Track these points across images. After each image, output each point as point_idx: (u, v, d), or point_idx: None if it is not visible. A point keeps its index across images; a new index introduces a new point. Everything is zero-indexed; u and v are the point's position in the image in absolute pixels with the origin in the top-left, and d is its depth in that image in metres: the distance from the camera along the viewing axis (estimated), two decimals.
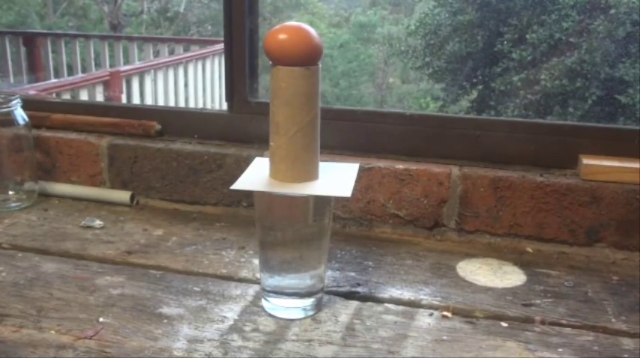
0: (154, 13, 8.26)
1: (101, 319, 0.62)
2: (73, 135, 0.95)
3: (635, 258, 0.79)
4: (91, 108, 0.99)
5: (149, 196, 0.93)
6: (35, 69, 4.58)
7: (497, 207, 0.81)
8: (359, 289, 0.69)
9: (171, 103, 4.08)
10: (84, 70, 4.58)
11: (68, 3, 8.10)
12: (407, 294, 0.68)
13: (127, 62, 4.58)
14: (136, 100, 3.85)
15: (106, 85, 3.62)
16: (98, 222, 0.85)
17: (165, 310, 0.64)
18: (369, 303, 0.67)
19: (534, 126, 0.85)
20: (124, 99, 3.72)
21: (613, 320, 0.64)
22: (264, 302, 0.65)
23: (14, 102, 0.88)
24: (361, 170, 0.80)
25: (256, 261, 0.74)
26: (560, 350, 0.59)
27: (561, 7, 4.89)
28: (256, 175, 0.62)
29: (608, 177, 0.78)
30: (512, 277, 0.73)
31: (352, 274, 0.73)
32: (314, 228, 0.61)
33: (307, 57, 0.57)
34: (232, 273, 0.72)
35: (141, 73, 3.92)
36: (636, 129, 0.82)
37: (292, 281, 0.63)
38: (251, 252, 0.78)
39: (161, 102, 3.96)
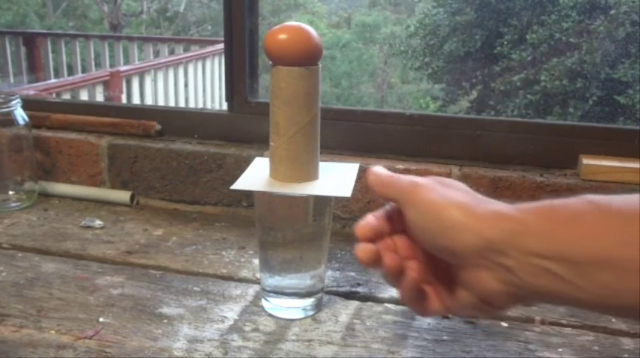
0: (154, 13, 8.26)
1: (101, 319, 0.62)
2: (73, 135, 0.95)
3: None
4: (91, 108, 0.99)
5: (149, 196, 0.93)
6: (35, 69, 4.58)
7: None
8: (359, 289, 0.69)
9: (172, 103, 4.08)
10: (84, 70, 4.59)
11: (68, 3, 8.10)
12: None
13: (127, 62, 4.58)
14: (136, 100, 3.85)
15: (106, 85, 3.62)
16: (98, 222, 0.85)
17: (165, 310, 0.64)
18: (369, 303, 0.67)
19: (534, 126, 0.85)
20: (124, 99, 3.72)
21: (613, 320, 0.64)
22: (264, 302, 0.65)
23: (14, 102, 0.88)
24: (361, 170, 0.80)
25: (256, 261, 0.74)
26: (560, 350, 0.59)
27: (561, 7, 4.89)
28: (256, 175, 0.62)
29: (608, 177, 0.78)
30: None
31: (352, 274, 0.73)
32: (314, 228, 0.61)
33: (307, 57, 0.57)
34: (232, 273, 0.72)
35: (141, 73, 3.92)
36: (636, 129, 0.82)
37: (292, 281, 0.63)
38: (251, 251, 0.78)
39: (161, 102, 3.97)
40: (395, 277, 0.46)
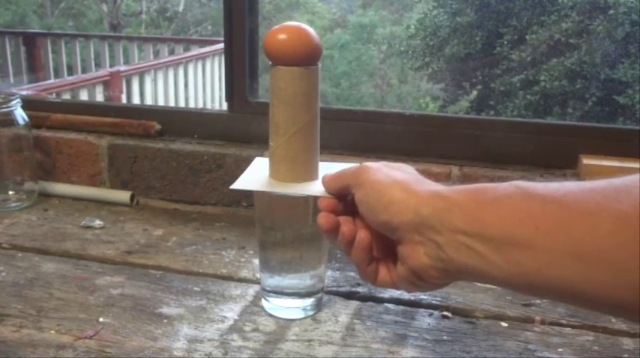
0: (154, 13, 8.26)
1: (101, 319, 0.62)
2: (73, 135, 0.95)
3: None
4: (91, 108, 0.99)
5: (149, 196, 0.93)
6: (35, 69, 4.58)
7: None
8: (359, 289, 0.69)
9: (172, 103, 4.08)
10: (84, 70, 4.59)
11: (65, 3, 8.10)
12: (407, 294, 0.68)
13: (126, 62, 4.58)
14: (136, 100, 3.85)
15: (106, 85, 3.62)
16: (98, 222, 0.85)
17: (165, 310, 0.64)
18: (369, 303, 0.67)
19: (534, 126, 0.85)
20: (124, 99, 3.72)
21: (613, 320, 0.64)
22: (264, 302, 0.65)
23: (14, 102, 0.88)
24: None
25: (256, 261, 0.74)
26: (560, 350, 0.59)
27: (561, 7, 4.90)
28: (256, 175, 0.62)
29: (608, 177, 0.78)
30: None
31: (352, 274, 0.73)
32: (314, 228, 0.61)
33: (307, 57, 0.57)
34: (232, 273, 0.72)
35: (141, 73, 3.92)
36: (636, 129, 0.82)
37: (292, 281, 0.63)
38: (251, 251, 0.78)
39: (161, 102, 3.97)
40: (350, 244, 0.51)
